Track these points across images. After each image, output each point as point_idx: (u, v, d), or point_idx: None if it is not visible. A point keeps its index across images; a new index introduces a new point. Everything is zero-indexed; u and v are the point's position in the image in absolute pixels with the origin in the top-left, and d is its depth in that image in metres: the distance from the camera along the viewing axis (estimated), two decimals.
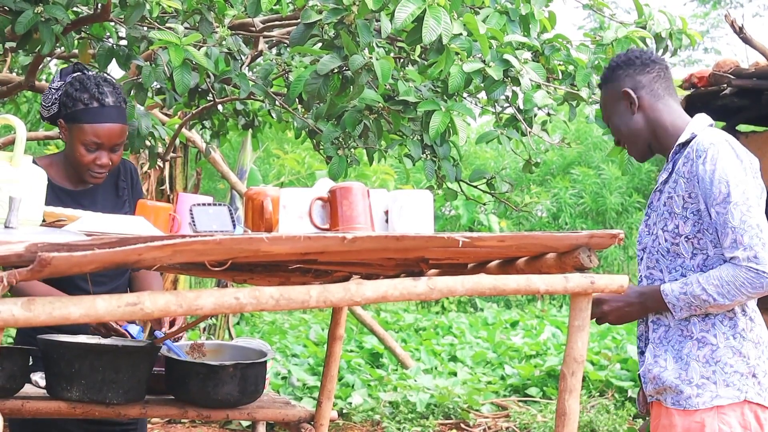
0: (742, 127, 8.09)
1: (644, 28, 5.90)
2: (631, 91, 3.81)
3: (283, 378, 11.34)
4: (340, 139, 5.75)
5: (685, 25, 5.98)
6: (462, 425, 10.60)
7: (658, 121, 3.80)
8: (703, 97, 7.65)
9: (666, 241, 3.70)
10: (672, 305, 3.62)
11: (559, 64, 6.00)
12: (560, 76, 5.97)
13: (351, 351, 13.09)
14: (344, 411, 10.71)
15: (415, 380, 11.25)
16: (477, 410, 10.89)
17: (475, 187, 6.74)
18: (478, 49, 5.15)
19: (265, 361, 4.24)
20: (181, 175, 11.79)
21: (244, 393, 4.10)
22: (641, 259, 3.83)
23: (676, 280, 3.66)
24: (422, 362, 12.44)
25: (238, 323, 15.43)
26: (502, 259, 3.46)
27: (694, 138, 3.67)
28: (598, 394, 11.21)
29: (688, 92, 7.62)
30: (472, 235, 2.90)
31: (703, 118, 3.81)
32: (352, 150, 6.16)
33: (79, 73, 4.41)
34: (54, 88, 4.36)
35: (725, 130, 8.07)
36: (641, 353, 3.84)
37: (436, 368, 12.32)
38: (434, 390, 10.92)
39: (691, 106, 7.73)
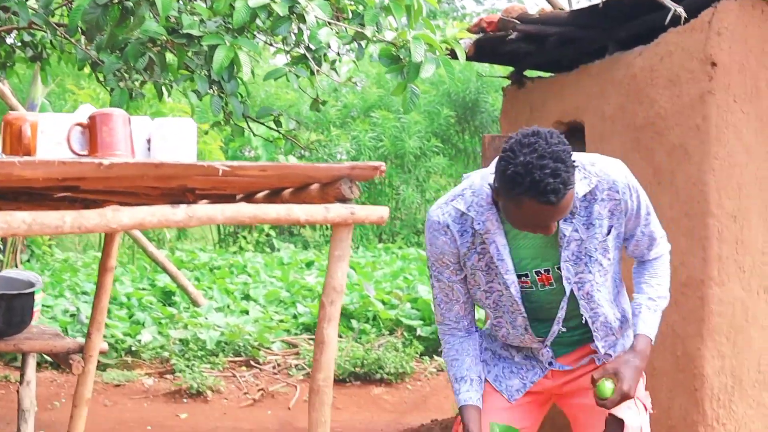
0: (530, 74, 8.24)
1: None
2: None
3: (72, 315, 11.16)
4: (123, 72, 5.66)
5: None
6: (252, 362, 10.64)
7: None
8: (491, 42, 7.75)
9: (602, 276, 3.79)
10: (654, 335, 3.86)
11: (350, 4, 6.03)
12: (350, 16, 6.00)
13: (143, 289, 12.97)
14: (133, 348, 10.62)
15: (206, 318, 11.22)
16: (268, 348, 10.93)
17: (263, 123, 6.74)
18: None
19: (33, 292, 4.17)
20: None
21: (10, 324, 4.03)
22: (566, 296, 3.81)
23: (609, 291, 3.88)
24: (215, 300, 12.40)
25: (28, 260, 15.11)
26: (269, 190, 3.47)
27: (599, 183, 3.67)
28: (387, 332, 11.39)
29: (477, 36, 7.72)
30: (232, 163, 2.90)
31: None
32: (137, 83, 6.08)
33: None
34: None
35: (514, 75, 8.26)
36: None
37: (228, 307, 12.30)
38: (225, 328, 10.91)
39: (480, 51, 7.84)
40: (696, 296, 5.62)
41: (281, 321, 11.86)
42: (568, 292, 3.74)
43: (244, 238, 19.14)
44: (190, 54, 5.57)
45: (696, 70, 5.63)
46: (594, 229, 3.66)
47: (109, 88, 5.79)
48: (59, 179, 2.95)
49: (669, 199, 5.85)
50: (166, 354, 10.54)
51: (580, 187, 3.59)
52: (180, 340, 10.67)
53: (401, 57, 5.51)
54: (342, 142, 18.57)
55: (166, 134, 3.12)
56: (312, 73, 6.34)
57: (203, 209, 2.87)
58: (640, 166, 6.14)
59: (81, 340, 4.40)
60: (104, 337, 10.55)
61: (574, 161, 3.32)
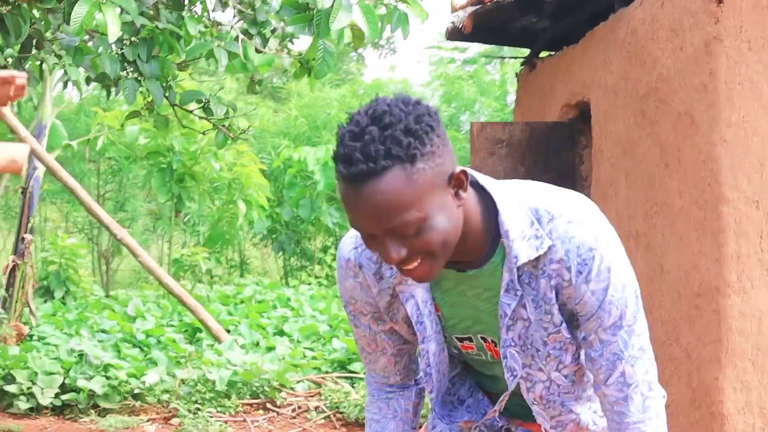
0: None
1: None
2: (462, 175, 2.22)
3: (80, 355, 10.09)
4: None
5: None
6: (269, 405, 9.44)
7: (473, 217, 2.33)
8: (495, 18, 6.48)
9: (567, 378, 2.53)
10: None
11: None
12: None
13: (169, 325, 11.92)
14: (136, 391, 9.50)
15: (219, 356, 10.07)
16: (291, 389, 9.73)
17: (190, 112, 5.60)
18: None
19: None
20: None
21: None
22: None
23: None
24: (242, 336, 11.27)
25: (62, 298, 14.23)
26: None
27: (551, 249, 2.31)
28: None
29: (474, 8, 6.46)
30: None
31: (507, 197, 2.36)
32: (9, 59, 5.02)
33: None
34: None
35: (529, 58, 6.99)
36: None
37: (258, 343, 11.16)
38: (241, 366, 9.72)
39: (483, 28, 6.59)
40: (711, 309, 4.29)
41: (314, 358, 10.65)
42: (511, 387, 2.50)
43: (310, 272, 18.03)
44: (42, 13, 4.42)
45: (699, 12, 4.31)
46: (541, 313, 2.38)
47: None
48: None
49: (677, 185, 4.54)
50: (170, 396, 9.42)
51: (524, 247, 2.31)
52: (193, 380, 9.52)
53: (309, 5, 4.31)
54: None
55: None
56: (256, 50, 5.25)
57: None
58: (645, 145, 4.85)
59: None
60: (108, 378, 9.52)
61: (407, 140, 2.08)
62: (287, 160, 16.66)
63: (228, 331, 11.58)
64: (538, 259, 2.31)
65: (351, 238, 2.53)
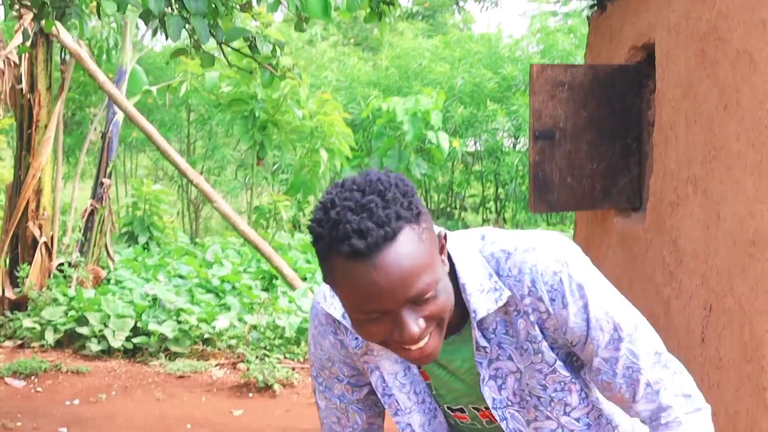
0: None
1: None
2: (444, 239, 2.13)
3: (153, 299, 10.09)
4: None
5: None
6: None
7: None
8: None
9: (579, 420, 2.35)
10: None
11: None
12: None
13: (246, 272, 11.87)
14: (206, 336, 9.48)
15: (291, 303, 9.99)
16: None
17: (237, 50, 5.45)
18: None
19: None
20: (43, 73, 10.48)
21: None
22: None
23: None
24: (318, 284, 11.17)
25: (146, 243, 14.25)
26: None
27: (515, 287, 2.20)
28: None
29: None
30: None
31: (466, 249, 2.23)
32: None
33: None
34: None
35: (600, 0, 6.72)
36: None
37: None
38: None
39: None
40: (765, 258, 4.06)
41: None
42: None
43: None
44: None
45: None
46: (530, 356, 2.22)
47: None
48: None
49: (735, 127, 4.30)
50: (238, 342, 9.38)
51: (482, 301, 2.18)
52: (258, 326, 9.47)
53: None
54: (500, 117, 16.96)
55: None
56: None
57: None
58: (705, 86, 4.61)
59: None
60: (179, 323, 9.50)
61: (407, 200, 1.96)
62: (376, 110, 16.47)
63: (304, 279, 11.51)
64: (507, 302, 2.17)
65: (324, 292, 2.37)
